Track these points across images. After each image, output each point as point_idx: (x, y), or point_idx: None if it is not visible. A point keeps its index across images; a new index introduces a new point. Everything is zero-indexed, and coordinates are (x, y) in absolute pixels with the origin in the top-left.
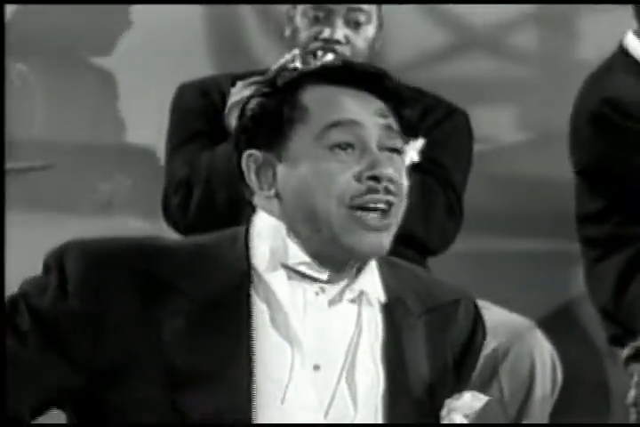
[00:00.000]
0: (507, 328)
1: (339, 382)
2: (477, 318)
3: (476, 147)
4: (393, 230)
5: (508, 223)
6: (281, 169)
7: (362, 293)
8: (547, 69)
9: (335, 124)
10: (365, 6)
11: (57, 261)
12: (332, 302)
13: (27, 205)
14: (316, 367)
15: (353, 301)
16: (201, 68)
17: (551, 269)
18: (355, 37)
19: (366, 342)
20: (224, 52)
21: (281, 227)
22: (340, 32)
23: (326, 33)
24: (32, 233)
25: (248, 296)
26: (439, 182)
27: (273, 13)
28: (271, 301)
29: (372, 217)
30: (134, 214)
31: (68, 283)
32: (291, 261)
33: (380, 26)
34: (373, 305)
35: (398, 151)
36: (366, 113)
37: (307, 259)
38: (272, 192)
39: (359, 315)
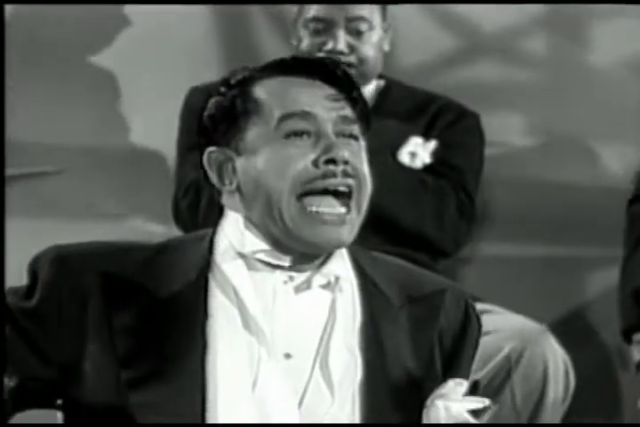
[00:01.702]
0: (519, 333)
1: (313, 369)
2: (469, 311)
3: (486, 151)
4: (355, 223)
5: (519, 228)
6: (240, 162)
7: (337, 278)
8: (556, 74)
9: (289, 116)
10: (366, 13)
11: (31, 266)
12: (298, 289)
13: (36, 212)
14: (288, 356)
15: (325, 287)
16: (208, 69)
17: (563, 274)
18: (359, 45)
19: (341, 329)
20: (231, 53)
21: (238, 218)
22: (343, 43)
23: (329, 45)
24: (42, 240)
25: (206, 290)
26: (451, 184)
27: (282, 14)
28: (229, 292)
29: (328, 214)
30: (144, 218)
31: (37, 284)
32: (247, 250)
33: (387, 30)
34: (345, 290)
35: (355, 137)
36: (319, 101)
37: (265, 246)
38: (233, 186)
39: (333, 302)
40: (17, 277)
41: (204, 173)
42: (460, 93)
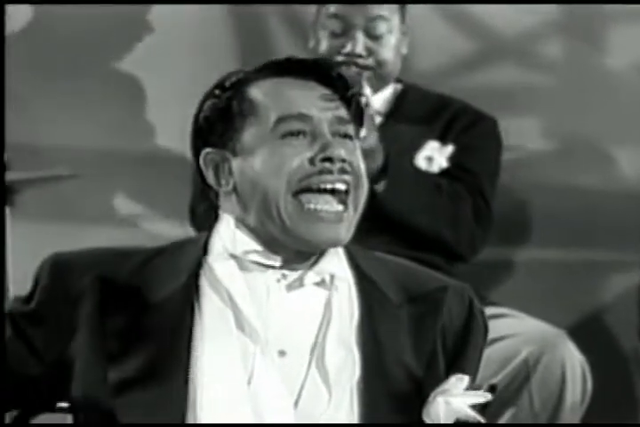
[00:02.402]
0: (537, 337)
1: (309, 367)
2: (473, 308)
3: (504, 155)
4: (352, 220)
5: (536, 232)
6: (237, 163)
7: (332, 276)
8: (574, 78)
9: (286, 118)
10: (386, 14)
11: (36, 274)
12: (291, 287)
13: (52, 215)
14: (282, 353)
15: (319, 284)
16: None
17: (580, 278)
18: (377, 48)
19: (337, 326)
20: (250, 56)
21: (230, 220)
22: (361, 45)
23: (348, 48)
24: (58, 243)
25: (197, 291)
26: (467, 189)
27: (300, 18)
28: (222, 293)
29: (325, 212)
30: (161, 222)
31: (36, 289)
32: (239, 250)
33: (406, 33)
34: (341, 288)
35: (350, 137)
36: (315, 102)
37: (256, 247)
38: (230, 187)
39: (329, 300)
40: (32, 281)
41: (201, 174)
42: (476, 97)
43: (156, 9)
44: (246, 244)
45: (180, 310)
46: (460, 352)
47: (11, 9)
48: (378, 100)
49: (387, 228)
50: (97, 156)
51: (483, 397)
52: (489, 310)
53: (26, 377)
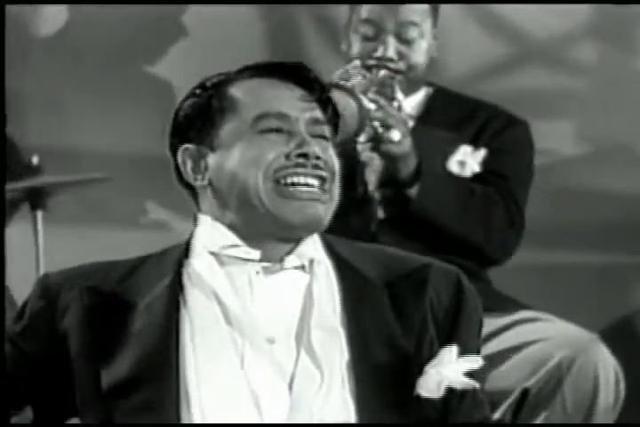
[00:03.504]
0: (571, 341)
1: (298, 351)
2: (462, 284)
3: (536, 159)
4: (330, 206)
5: (568, 237)
6: (214, 158)
7: (311, 261)
8: (606, 82)
9: (265, 116)
10: (417, 18)
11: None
12: (270, 271)
13: (85, 218)
14: (271, 341)
15: (299, 269)
16: None
17: (613, 283)
18: (409, 52)
19: (319, 310)
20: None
21: (208, 219)
22: (393, 50)
23: (379, 52)
24: (90, 246)
25: (182, 290)
26: (500, 193)
27: (332, 22)
28: (205, 289)
29: (305, 190)
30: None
31: (26, 306)
32: (217, 246)
33: (437, 36)
34: (320, 273)
35: (326, 138)
36: (293, 102)
37: (236, 241)
38: (205, 181)
39: (309, 285)
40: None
41: (178, 171)
42: (508, 100)
43: (190, 11)
44: (225, 239)
45: (166, 310)
46: (453, 328)
47: (46, 11)
48: (409, 103)
49: (417, 230)
50: (129, 159)
51: (474, 362)
52: (522, 314)
53: (30, 387)
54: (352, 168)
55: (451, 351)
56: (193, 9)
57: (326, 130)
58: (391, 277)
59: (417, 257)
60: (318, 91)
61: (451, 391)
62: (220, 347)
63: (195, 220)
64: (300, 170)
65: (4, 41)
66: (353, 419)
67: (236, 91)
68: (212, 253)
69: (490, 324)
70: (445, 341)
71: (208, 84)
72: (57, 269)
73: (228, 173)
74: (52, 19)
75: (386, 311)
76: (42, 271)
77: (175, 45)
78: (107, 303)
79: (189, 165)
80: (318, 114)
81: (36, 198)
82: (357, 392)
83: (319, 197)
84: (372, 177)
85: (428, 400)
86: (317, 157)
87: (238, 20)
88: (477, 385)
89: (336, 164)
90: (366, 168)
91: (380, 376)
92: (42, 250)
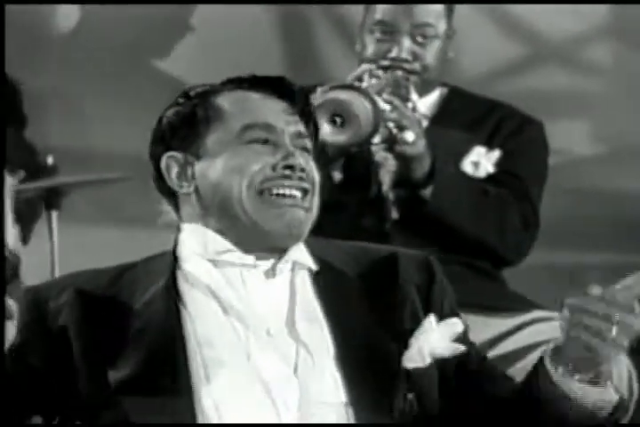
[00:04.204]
0: None
1: (296, 342)
2: (431, 267)
3: (551, 159)
4: (310, 215)
5: (582, 236)
6: (199, 166)
7: (294, 263)
8: (621, 83)
9: (252, 126)
10: (432, 19)
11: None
12: (267, 275)
13: (99, 218)
14: (269, 333)
15: (289, 271)
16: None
17: None
18: (423, 53)
19: (301, 305)
20: (295, 59)
21: (195, 227)
22: (407, 50)
23: (394, 52)
24: (105, 246)
25: (177, 291)
26: (514, 194)
27: (345, 21)
28: (202, 288)
29: (287, 200)
30: None
31: (18, 320)
32: (210, 251)
33: (451, 37)
34: (300, 271)
35: (308, 150)
36: (278, 114)
37: (229, 246)
38: (191, 188)
39: (292, 282)
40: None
41: (160, 178)
42: (523, 101)
43: (200, 11)
44: (217, 244)
45: (165, 309)
46: (429, 306)
47: (60, 11)
48: (424, 104)
49: (432, 231)
50: (144, 159)
51: (454, 325)
52: (536, 314)
53: (39, 397)
54: (366, 169)
55: (430, 322)
56: (204, 7)
57: (308, 143)
58: (363, 269)
59: (385, 247)
60: (301, 104)
61: (445, 362)
62: (223, 339)
63: (178, 228)
64: (286, 182)
65: (4, 41)
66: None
67: (222, 101)
68: (205, 258)
69: (504, 323)
70: (424, 316)
71: (192, 93)
72: (72, 268)
73: (212, 182)
74: (66, 18)
75: (363, 300)
76: (57, 271)
77: (186, 44)
78: (100, 304)
79: (175, 171)
80: (301, 127)
81: (51, 198)
82: (346, 374)
83: (300, 203)
84: (385, 177)
85: (418, 372)
86: (302, 170)
87: (249, 17)
88: (463, 348)
89: (316, 176)
90: (380, 169)
91: (365, 359)
92: (57, 250)
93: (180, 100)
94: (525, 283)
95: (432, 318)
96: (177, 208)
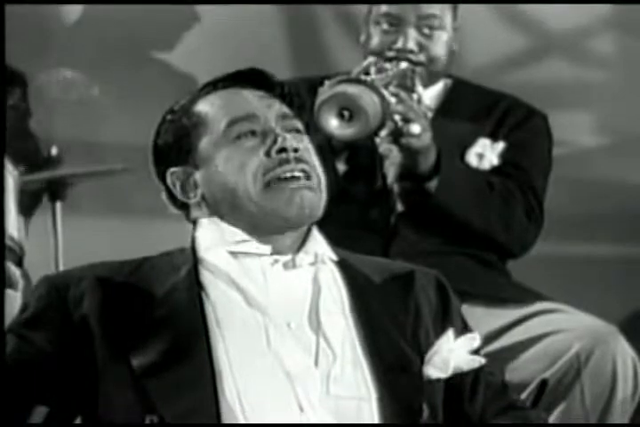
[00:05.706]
0: (589, 333)
1: (317, 336)
2: (443, 284)
3: (555, 151)
4: (319, 194)
5: (586, 228)
6: (199, 174)
7: (316, 255)
8: (625, 74)
9: (236, 120)
10: (437, 11)
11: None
12: (287, 267)
13: (105, 210)
14: (289, 325)
15: (312, 264)
16: (278, 69)
17: (632, 274)
18: (429, 44)
19: (326, 297)
20: (301, 53)
21: (212, 220)
22: (413, 41)
23: (399, 43)
24: (110, 237)
25: (198, 282)
26: (519, 186)
27: (351, 15)
28: (223, 278)
29: (291, 182)
30: None
31: (30, 301)
32: (229, 242)
33: (457, 29)
34: (326, 263)
35: (299, 131)
36: (258, 102)
37: (245, 236)
38: (198, 197)
39: (315, 274)
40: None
41: (172, 196)
42: (528, 93)
43: (211, 9)
44: (233, 235)
45: (188, 298)
46: (445, 322)
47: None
48: (428, 95)
49: (437, 224)
50: (148, 150)
51: (472, 339)
52: (541, 305)
53: (40, 379)
54: (370, 160)
55: (448, 335)
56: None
57: (297, 123)
58: (383, 277)
59: (399, 263)
60: (278, 88)
61: (462, 375)
62: (246, 328)
63: (194, 225)
64: (285, 167)
65: (4, 41)
66: (371, 389)
67: (202, 106)
68: (225, 250)
69: (509, 314)
70: (441, 331)
71: (176, 107)
72: (76, 260)
73: (216, 186)
74: (71, 9)
75: (386, 305)
76: (61, 262)
77: (195, 37)
78: (120, 292)
79: (178, 186)
80: (285, 109)
81: (55, 189)
82: (371, 365)
83: (305, 184)
84: (390, 170)
85: (437, 382)
86: (295, 150)
87: (256, 11)
88: (483, 361)
89: (314, 158)
90: (385, 161)
91: (391, 358)
92: (61, 241)
93: (168, 117)
94: (530, 274)
95: (450, 333)
96: (188, 218)
